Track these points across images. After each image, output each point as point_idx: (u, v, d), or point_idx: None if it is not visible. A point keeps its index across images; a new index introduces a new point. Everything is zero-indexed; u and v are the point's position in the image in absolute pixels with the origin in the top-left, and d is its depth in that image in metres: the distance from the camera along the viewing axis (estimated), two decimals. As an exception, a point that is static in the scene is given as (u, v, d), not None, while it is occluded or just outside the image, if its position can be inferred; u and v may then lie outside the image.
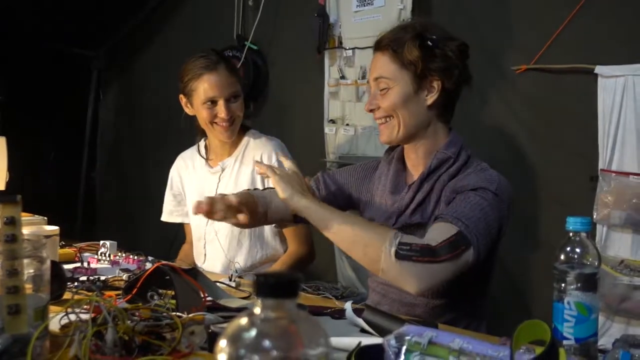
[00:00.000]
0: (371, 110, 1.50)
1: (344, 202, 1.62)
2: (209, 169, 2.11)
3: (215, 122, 1.97)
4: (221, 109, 1.94)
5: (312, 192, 1.51)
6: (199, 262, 2.11)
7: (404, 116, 1.45)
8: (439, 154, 1.46)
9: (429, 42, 1.42)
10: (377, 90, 1.47)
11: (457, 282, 1.31)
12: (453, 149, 1.46)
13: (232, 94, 1.97)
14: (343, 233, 1.32)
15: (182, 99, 2.05)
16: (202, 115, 1.99)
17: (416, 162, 1.51)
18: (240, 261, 2.01)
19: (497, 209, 1.36)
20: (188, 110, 2.05)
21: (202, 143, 2.16)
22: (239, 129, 2.04)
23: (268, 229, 2.08)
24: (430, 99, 1.46)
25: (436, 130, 1.49)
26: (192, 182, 2.16)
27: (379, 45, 1.47)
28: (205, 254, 2.11)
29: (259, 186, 2.00)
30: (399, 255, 1.24)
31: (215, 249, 2.07)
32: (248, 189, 1.65)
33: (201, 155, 2.13)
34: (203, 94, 1.95)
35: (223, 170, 2.07)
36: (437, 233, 1.29)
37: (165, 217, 2.26)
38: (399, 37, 1.44)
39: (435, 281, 1.28)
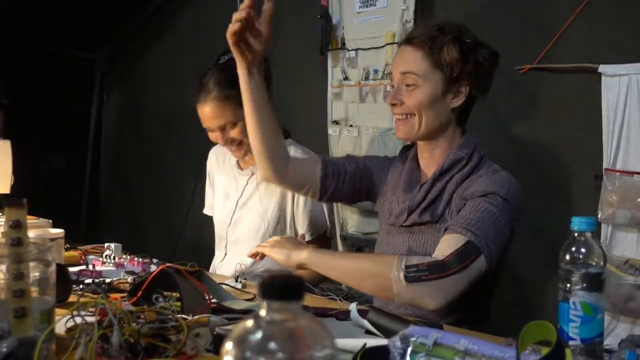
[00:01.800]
0: (393, 105, 1.47)
1: (366, 182, 1.63)
2: (239, 170, 2.11)
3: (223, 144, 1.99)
4: (218, 137, 1.95)
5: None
6: (218, 259, 2.12)
7: (427, 116, 1.44)
8: (452, 154, 1.46)
9: (466, 46, 1.41)
10: (402, 85, 1.45)
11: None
12: (466, 150, 1.46)
13: (222, 125, 1.92)
14: (349, 271, 1.35)
15: None
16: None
17: (429, 162, 1.52)
18: (256, 266, 1.99)
19: (507, 213, 1.35)
20: None
21: None
22: None
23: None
24: (456, 102, 1.46)
25: (454, 132, 1.49)
26: (222, 177, 2.16)
27: (412, 41, 1.44)
28: (226, 253, 2.11)
29: (288, 197, 2.00)
30: (408, 279, 1.24)
31: (237, 251, 2.07)
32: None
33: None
34: (202, 122, 1.96)
35: (253, 174, 2.06)
36: (446, 245, 1.29)
37: (206, 210, 2.26)
38: (435, 36, 1.42)
39: (451, 295, 1.26)
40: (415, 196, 1.48)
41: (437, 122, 1.45)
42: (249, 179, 2.07)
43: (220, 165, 2.17)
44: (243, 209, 2.06)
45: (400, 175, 1.55)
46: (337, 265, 1.36)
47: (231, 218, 2.08)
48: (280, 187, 1.91)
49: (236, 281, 1.62)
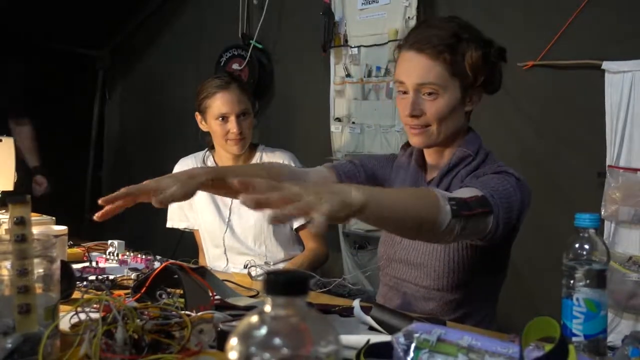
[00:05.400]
0: (413, 116, 1.40)
1: (373, 184, 1.58)
2: None
3: (227, 137, 2.09)
4: (232, 124, 2.06)
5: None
6: (220, 268, 2.15)
7: (447, 124, 1.40)
8: (459, 151, 1.45)
9: (486, 50, 1.38)
10: (419, 95, 1.39)
11: (474, 274, 1.36)
12: (472, 147, 1.45)
13: (242, 110, 2.08)
14: (407, 215, 1.15)
15: (198, 116, 2.16)
16: (215, 130, 2.10)
17: (438, 161, 1.49)
18: (261, 262, 2.03)
19: (519, 192, 1.33)
20: (202, 126, 2.16)
21: (207, 155, 2.22)
22: (249, 146, 2.15)
23: (289, 231, 2.17)
24: (471, 106, 1.43)
25: (464, 132, 1.48)
26: (202, 192, 2.18)
27: (425, 50, 1.36)
28: (227, 259, 2.16)
29: None
30: (453, 212, 1.16)
31: (238, 252, 2.13)
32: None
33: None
34: (216, 110, 2.07)
35: None
36: (462, 192, 1.26)
37: (170, 224, 2.29)
38: (452, 43, 1.36)
39: (469, 235, 1.24)
40: None
41: (454, 128, 1.43)
42: None
43: None
44: (237, 212, 2.14)
45: (407, 172, 1.54)
46: (394, 209, 1.12)
47: (227, 223, 2.14)
48: None
49: (245, 267, 1.68)
